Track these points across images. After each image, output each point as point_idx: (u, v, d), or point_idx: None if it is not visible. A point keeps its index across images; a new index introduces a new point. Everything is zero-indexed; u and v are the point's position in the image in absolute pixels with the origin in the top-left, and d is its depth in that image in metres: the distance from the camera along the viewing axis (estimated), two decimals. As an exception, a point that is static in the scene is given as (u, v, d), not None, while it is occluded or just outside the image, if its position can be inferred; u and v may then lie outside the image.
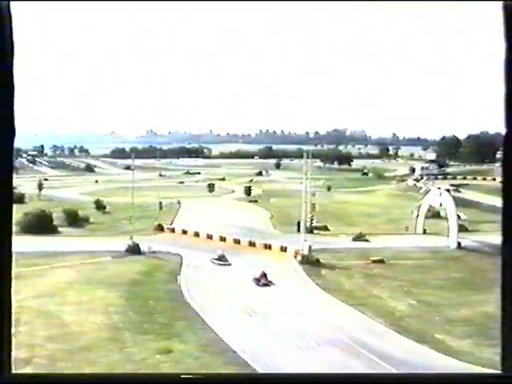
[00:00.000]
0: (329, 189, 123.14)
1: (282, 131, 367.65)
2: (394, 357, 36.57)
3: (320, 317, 44.48)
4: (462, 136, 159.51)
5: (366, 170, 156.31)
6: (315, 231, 75.97)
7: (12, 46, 2.87)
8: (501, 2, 3.14)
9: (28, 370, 35.30)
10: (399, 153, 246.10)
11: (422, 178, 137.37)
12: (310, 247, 62.86)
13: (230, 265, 60.87)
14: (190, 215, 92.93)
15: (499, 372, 3.29)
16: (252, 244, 70.42)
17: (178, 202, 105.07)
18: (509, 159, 3.16)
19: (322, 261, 61.21)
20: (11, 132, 2.86)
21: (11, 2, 2.88)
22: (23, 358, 36.98)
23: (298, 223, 72.31)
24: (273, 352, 38.04)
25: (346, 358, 36.74)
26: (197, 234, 76.70)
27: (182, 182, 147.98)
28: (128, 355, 37.72)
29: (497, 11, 3.16)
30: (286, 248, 66.39)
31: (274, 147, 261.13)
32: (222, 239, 73.59)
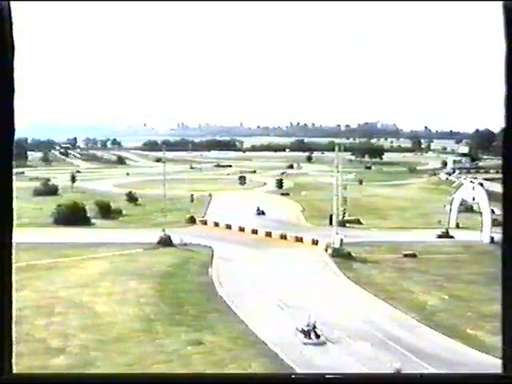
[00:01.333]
0: (360, 182, 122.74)
1: (313, 124, 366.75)
2: (426, 351, 36.35)
3: (351, 310, 44.37)
4: (495, 129, 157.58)
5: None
6: (347, 224, 75.81)
7: (12, 45, 2.91)
8: (501, 2, 3.13)
9: (61, 359, 35.80)
10: (431, 146, 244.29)
11: (454, 172, 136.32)
12: (341, 240, 62.70)
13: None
14: (221, 208, 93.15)
15: (499, 372, 3.29)
16: (283, 237, 70.45)
17: (209, 195, 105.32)
18: (509, 156, 3.15)
19: (353, 254, 61.03)
20: (11, 129, 2.91)
21: (11, 2, 2.92)
22: (57, 347, 37.50)
23: (330, 216, 72.14)
24: (303, 344, 38.07)
25: (376, 351, 36.62)
26: (228, 227, 76.94)
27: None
28: (159, 346, 37.96)
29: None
30: (317, 241, 66.32)
31: (306, 140, 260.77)
32: (254, 232, 73.75)
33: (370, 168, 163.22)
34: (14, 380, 3.03)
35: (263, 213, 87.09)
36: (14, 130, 2.90)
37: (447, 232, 69.97)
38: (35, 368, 34.15)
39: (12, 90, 2.90)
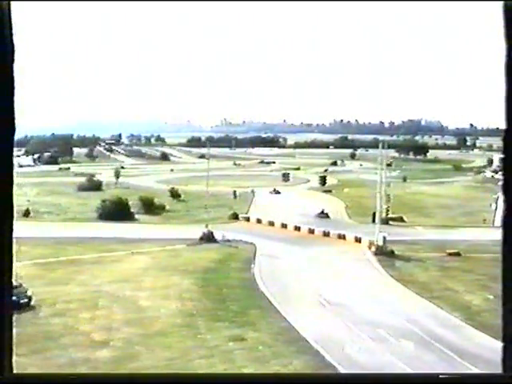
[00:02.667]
0: (404, 179, 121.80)
1: (357, 121, 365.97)
2: (470, 352, 35.91)
3: (394, 308, 44.04)
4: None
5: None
6: (390, 222, 75.30)
7: (12, 45, 2.91)
8: (501, 2, 3.07)
9: (105, 352, 36.19)
10: (477, 143, 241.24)
11: (500, 170, 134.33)
12: (384, 238, 62.25)
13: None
14: (264, 204, 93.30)
15: (500, 372, 3.21)
16: (326, 234, 70.26)
17: (252, 192, 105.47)
18: (509, 156, 3.08)
19: (396, 252, 60.59)
20: (11, 128, 2.92)
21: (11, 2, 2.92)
22: (100, 340, 37.91)
23: (373, 214, 71.69)
24: (344, 342, 37.89)
25: (419, 351, 36.29)
26: (271, 224, 76.97)
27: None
28: (201, 341, 38.11)
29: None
30: (360, 239, 66.01)
31: (350, 137, 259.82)
32: (297, 229, 73.70)
33: (415, 162, 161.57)
34: (13, 380, 3.04)
35: (325, 214, 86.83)
36: (14, 129, 2.92)
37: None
38: (79, 360, 34.63)
39: (12, 91, 2.92)
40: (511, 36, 2.95)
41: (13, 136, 2.91)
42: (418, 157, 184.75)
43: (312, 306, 45.23)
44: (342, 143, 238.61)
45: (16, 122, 2.92)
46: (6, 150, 2.90)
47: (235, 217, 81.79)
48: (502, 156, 3.15)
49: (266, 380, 3.35)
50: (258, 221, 79.18)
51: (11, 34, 2.86)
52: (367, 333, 39.36)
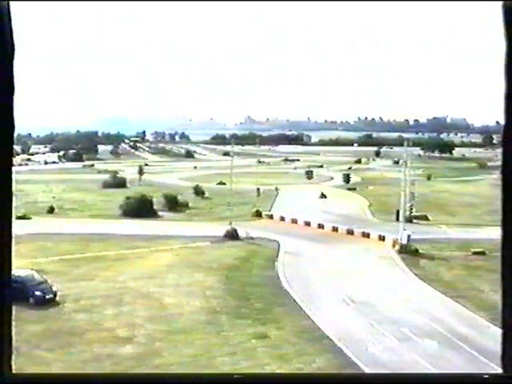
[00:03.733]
0: (429, 178, 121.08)
1: (381, 118, 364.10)
2: (496, 352, 35.50)
3: (418, 307, 43.84)
4: None
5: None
6: (414, 220, 74.89)
7: (12, 45, 2.92)
8: (501, 2, 3.03)
9: (128, 348, 36.40)
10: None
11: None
12: (408, 237, 61.94)
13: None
14: (288, 202, 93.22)
15: (500, 372, 3.18)
16: (350, 232, 70.03)
17: (276, 189, 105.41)
18: (509, 156, 3.04)
19: (420, 251, 60.25)
20: (11, 127, 2.94)
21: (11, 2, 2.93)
22: (124, 336, 38.14)
23: (397, 212, 71.35)
24: (368, 341, 37.79)
25: (443, 351, 36.10)
26: (294, 221, 76.90)
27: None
28: (225, 339, 38.21)
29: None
30: (384, 237, 65.72)
31: (374, 135, 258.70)
32: (320, 226, 73.55)
33: (440, 161, 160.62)
34: (13, 380, 3.03)
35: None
36: (13, 127, 2.94)
37: None
38: (103, 356, 34.87)
39: (12, 90, 2.94)
40: (511, 36, 2.93)
41: (12, 135, 2.93)
42: (443, 155, 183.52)
43: (335, 304, 45.17)
44: (367, 141, 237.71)
45: (16, 122, 2.94)
46: (6, 149, 2.92)
47: (259, 214, 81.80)
48: (502, 156, 3.12)
49: (266, 380, 3.34)
50: (282, 218, 79.14)
51: (11, 34, 2.88)
52: (391, 332, 39.24)
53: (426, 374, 3.87)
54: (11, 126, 2.91)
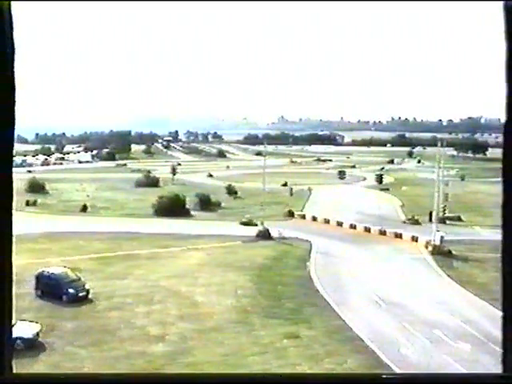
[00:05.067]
0: (462, 178, 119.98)
1: (415, 118, 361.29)
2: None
3: (451, 309, 43.46)
4: None
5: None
6: (448, 221, 74.27)
7: (13, 45, 2.93)
8: (501, 2, 2.99)
9: (160, 346, 36.58)
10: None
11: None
12: (441, 238, 61.44)
13: None
14: (320, 202, 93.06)
15: (500, 372, 3.13)
16: (382, 233, 69.67)
17: (309, 189, 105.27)
18: (509, 157, 3.00)
19: (454, 252, 59.73)
20: (11, 126, 2.95)
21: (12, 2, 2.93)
22: (156, 334, 38.34)
23: (430, 213, 70.84)
24: (400, 342, 37.55)
25: (476, 354, 35.70)
26: (327, 221, 76.74)
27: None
28: (256, 338, 38.22)
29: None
30: (417, 238, 65.29)
31: (407, 135, 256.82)
32: (353, 227, 73.30)
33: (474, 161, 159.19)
34: (13, 380, 3.04)
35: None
36: (14, 127, 2.96)
37: None
38: (135, 354, 35.09)
39: (13, 90, 2.95)
40: (511, 35, 2.91)
41: (13, 135, 2.95)
42: (478, 155, 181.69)
43: (367, 304, 44.97)
44: (400, 141, 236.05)
45: (16, 122, 2.96)
46: (6, 149, 2.94)
47: (291, 214, 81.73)
48: (502, 156, 3.09)
49: (267, 380, 3.33)
50: (314, 218, 79.00)
51: (11, 34, 2.89)
52: (423, 333, 38.95)
53: (427, 374, 3.84)
54: (12, 126, 2.93)
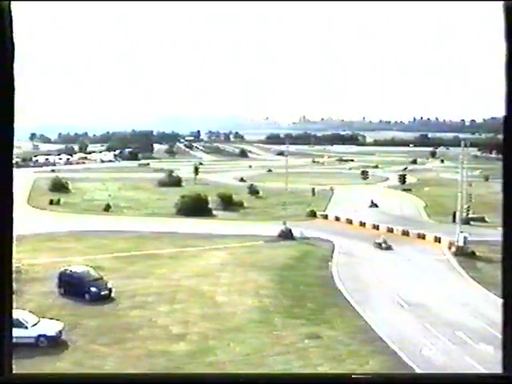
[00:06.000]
0: (486, 179, 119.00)
1: (437, 118, 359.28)
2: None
3: (474, 311, 43.15)
4: None
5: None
6: (471, 222, 73.71)
7: (13, 45, 2.92)
8: (501, 2, 2.96)
9: (182, 345, 36.65)
10: None
11: None
12: (465, 239, 60.98)
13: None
14: (342, 202, 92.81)
15: (500, 372, 3.10)
16: (405, 233, 69.36)
17: (331, 189, 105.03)
18: (509, 157, 2.96)
19: (477, 253, 59.26)
20: (11, 127, 2.95)
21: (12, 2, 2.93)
22: (177, 333, 38.43)
23: (454, 213, 70.39)
24: (423, 344, 37.34)
25: (499, 356, 35.32)
26: (349, 221, 76.56)
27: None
28: (277, 338, 38.16)
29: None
30: (440, 238, 64.89)
31: (430, 135, 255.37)
32: (375, 227, 73.04)
33: (498, 162, 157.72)
34: (13, 380, 3.03)
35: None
36: (13, 128, 2.96)
37: None
38: (157, 352, 35.19)
39: (12, 91, 2.95)
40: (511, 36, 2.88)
41: (12, 135, 2.95)
42: (501, 156, 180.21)
43: (390, 305, 44.77)
44: (422, 141, 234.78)
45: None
46: (7, 149, 2.94)
47: (313, 214, 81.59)
48: (502, 156, 3.06)
49: (267, 380, 3.31)
50: (336, 218, 78.82)
51: (11, 34, 2.89)
52: (446, 335, 38.71)
53: (427, 374, 3.79)
54: (12, 126, 2.93)
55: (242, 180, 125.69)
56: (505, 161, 2.96)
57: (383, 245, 62.77)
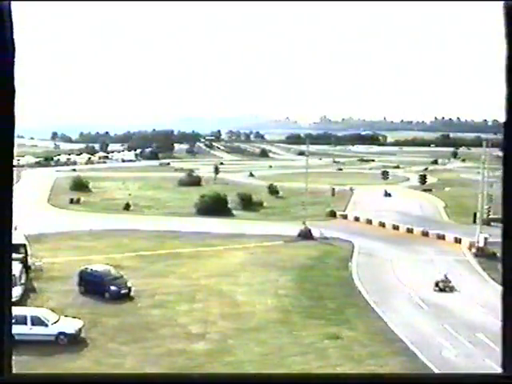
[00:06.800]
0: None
1: (459, 118, 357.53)
2: None
3: (494, 312, 42.83)
4: None
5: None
6: (492, 223, 73.22)
7: (13, 45, 2.94)
8: (501, 2, 2.94)
9: (201, 344, 36.73)
10: None
11: None
12: (485, 239, 60.60)
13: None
14: (362, 202, 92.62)
15: (500, 372, 3.07)
16: (425, 234, 69.05)
17: (351, 189, 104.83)
18: (509, 158, 2.93)
19: (498, 254, 58.77)
20: (11, 128, 2.97)
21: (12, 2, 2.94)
22: (197, 333, 38.50)
23: (474, 214, 70.00)
24: (442, 345, 37.17)
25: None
26: (369, 222, 76.37)
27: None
28: (296, 338, 38.14)
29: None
30: (460, 239, 64.55)
31: (452, 135, 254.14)
32: (395, 228, 72.81)
33: None
34: (13, 380, 3.05)
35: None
36: (14, 128, 2.98)
37: None
38: (176, 352, 35.28)
39: (13, 91, 2.97)
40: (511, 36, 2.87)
41: (13, 135, 2.98)
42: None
43: (409, 306, 44.60)
44: (444, 141, 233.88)
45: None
46: (7, 149, 2.96)
47: (333, 214, 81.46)
48: (502, 156, 3.04)
49: (267, 380, 3.31)
50: (356, 219, 78.68)
51: (12, 34, 2.91)
52: (466, 336, 38.49)
53: (426, 374, 3.79)
54: (12, 127, 2.95)
55: (251, 175, 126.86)
56: (505, 161, 2.95)
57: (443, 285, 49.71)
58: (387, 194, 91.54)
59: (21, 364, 31.04)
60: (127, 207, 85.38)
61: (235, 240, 64.75)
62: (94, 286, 44.64)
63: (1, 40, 2.87)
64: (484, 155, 75.26)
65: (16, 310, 36.49)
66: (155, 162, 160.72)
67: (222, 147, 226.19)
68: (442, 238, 67.01)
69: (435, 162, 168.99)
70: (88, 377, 3.33)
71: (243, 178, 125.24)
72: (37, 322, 35.90)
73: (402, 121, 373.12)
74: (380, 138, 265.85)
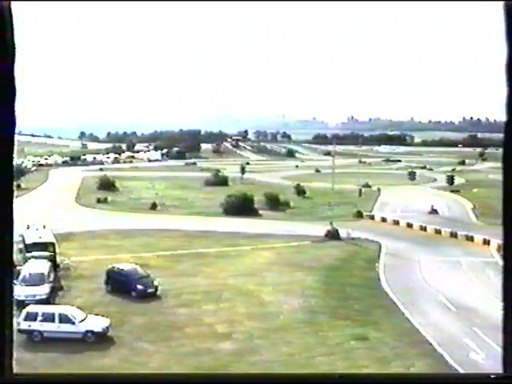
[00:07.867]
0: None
1: (487, 118, 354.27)
2: None
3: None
4: None
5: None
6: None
7: (13, 45, 2.92)
8: (502, 2, 2.89)
9: (227, 344, 36.75)
10: None
11: None
12: (515, 241, 59.98)
13: None
14: (389, 203, 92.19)
15: (500, 372, 3.02)
16: (453, 235, 68.53)
17: (378, 190, 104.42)
18: (509, 158, 2.87)
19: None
20: (11, 128, 2.95)
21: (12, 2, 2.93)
22: (223, 332, 38.55)
23: (503, 215, 69.38)
24: (470, 348, 36.84)
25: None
26: (396, 223, 75.98)
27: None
28: (323, 339, 38.04)
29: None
30: (489, 241, 63.95)
31: (479, 135, 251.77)
32: (423, 228, 72.35)
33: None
34: (14, 380, 3.04)
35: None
36: (14, 129, 2.97)
37: None
38: (203, 351, 35.35)
39: (13, 91, 2.96)
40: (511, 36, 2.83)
41: (13, 135, 2.97)
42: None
43: (436, 308, 44.28)
44: (472, 142, 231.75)
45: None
46: (7, 149, 2.96)
47: (360, 215, 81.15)
48: (502, 156, 2.99)
49: (267, 380, 3.28)
50: (383, 219, 78.32)
51: (12, 34, 2.90)
52: (494, 339, 38.09)
53: (426, 374, 3.74)
54: (12, 126, 2.95)
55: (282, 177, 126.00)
56: (505, 161, 2.91)
57: None
58: (433, 211, 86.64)
59: (48, 361, 31.31)
60: (154, 207, 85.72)
61: (262, 240, 64.76)
62: (121, 284, 44.87)
63: (1, 40, 2.88)
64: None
65: (44, 308, 36.80)
66: (182, 162, 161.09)
67: (248, 147, 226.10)
68: (470, 239, 66.46)
69: (462, 163, 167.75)
70: (88, 377, 3.33)
71: (269, 178, 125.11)
72: (64, 319, 36.15)
73: (430, 121, 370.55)
74: (407, 138, 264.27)
